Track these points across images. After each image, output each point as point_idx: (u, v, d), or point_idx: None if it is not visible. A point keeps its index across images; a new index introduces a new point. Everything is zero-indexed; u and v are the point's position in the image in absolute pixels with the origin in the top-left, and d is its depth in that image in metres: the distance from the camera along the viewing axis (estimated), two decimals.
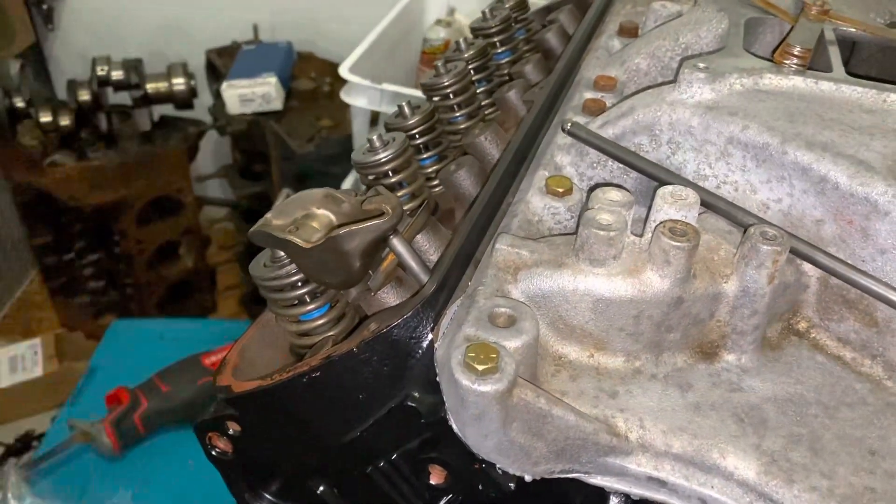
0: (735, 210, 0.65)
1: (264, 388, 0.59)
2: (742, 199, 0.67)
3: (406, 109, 0.85)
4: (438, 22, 2.54)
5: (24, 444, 2.39)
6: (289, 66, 2.67)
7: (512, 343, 0.54)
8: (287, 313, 0.66)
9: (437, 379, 0.56)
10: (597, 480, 0.59)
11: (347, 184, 2.32)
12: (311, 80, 2.68)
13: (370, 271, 0.64)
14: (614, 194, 0.62)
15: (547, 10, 1.25)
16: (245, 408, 0.62)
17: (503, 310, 0.57)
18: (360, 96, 2.11)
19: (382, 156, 0.75)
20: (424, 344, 0.57)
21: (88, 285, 2.92)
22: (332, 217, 0.66)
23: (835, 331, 0.65)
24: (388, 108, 2.10)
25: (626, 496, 0.59)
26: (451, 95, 0.93)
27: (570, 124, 0.74)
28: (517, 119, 0.95)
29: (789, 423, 0.58)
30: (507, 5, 1.10)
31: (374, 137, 0.77)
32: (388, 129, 0.84)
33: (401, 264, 0.64)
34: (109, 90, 2.65)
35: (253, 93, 2.49)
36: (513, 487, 0.57)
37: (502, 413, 0.53)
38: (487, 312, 0.57)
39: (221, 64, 2.72)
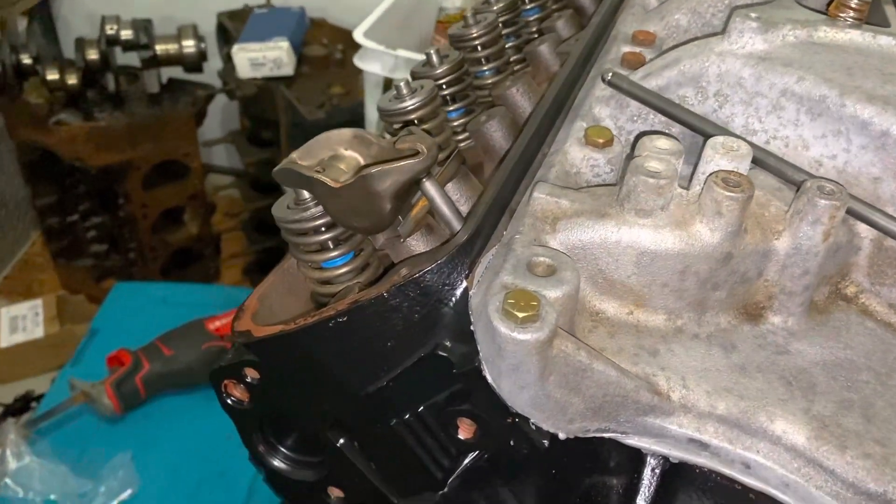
0: (785, 166, 0.62)
1: (287, 333, 0.56)
2: (793, 156, 0.64)
3: (434, 58, 0.82)
4: None
5: (23, 404, 2.36)
6: (301, 32, 2.62)
7: (552, 293, 0.51)
8: (310, 259, 0.63)
9: (472, 328, 0.53)
10: (634, 441, 0.56)
11: None
12: (322, 46, 2.64)
13: (400, 217, 0.61)
14: (663, 142, 0.58)
15: None
16: (265, 353, 0.59)
17: (542, 259, 0.54)
18: (374, 62, 2.06)
19: (409, 103, 0.72)
20: (458, 291, 0.54)
21: (91, 248, 2.89)
22: (361, 159, 0.63)
23: (886, 296, 0.62)
24: (402, 75, 2.05)
25: (665, 458, 0.56)
26: (480, 48, 0.89)
27: (611, 74, 0.71)
28: (548, 73, 0.92)
29: (839, 388, 0.55)
30: None
31: (402, 84, 0.74)
32: (415, 78, 0.81)
33: (432, 210, 0.61)
34: (118, 50, 2.61)
35: (264, 57, 2.44)
36: (546, 444, 0.54)
37: (541, 364, 0.50)
38: (526, 261, 0.53)
39: (233, 27, 2.67)
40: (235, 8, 2.80)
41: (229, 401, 0.63)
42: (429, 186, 0.59)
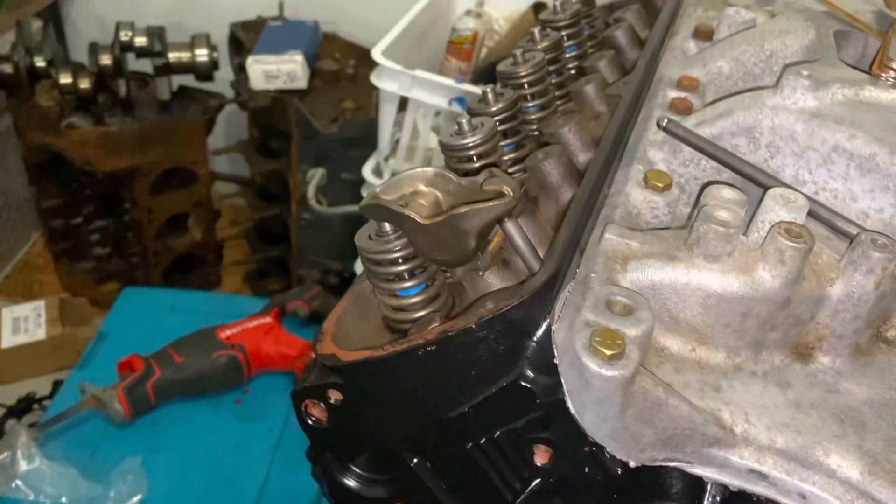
0: (835, 217, 0.67)
1: (376, 359, 0.60)
2: (841, 207, 0.69)
3: (490, 96, 0.86)
4: (468, 13, 2.54)
5: (25, 405, 2.37)
6: (315, 46, 2.66)
7: (632, 331, 0.55)
8: (387, 287, 0.67)
9: (556, 361, 0.57)
10: (697, 470, 0.60)
11: (368, 168, 2.32)
12: (335, 61, 2.67)
13: (479, 252, 0.65)
14: (728, 192, 0.63)
15: (610, 7, 1.26)
16: (351, 377, 0.62)
17: (620, 298, 0.58)
18: (391, 81, 2.11)
19: (471, 140, 0.76)
20: (542, 326, 0.58)
21: (93, 251, 2.89)
22: (441, 196, 0.67)
23: None
24: (418, 95, 2.10)
25: (724, 487, 0.60)
26: (527, 85, 0.94)
27: (666, 121, 0.75)
28: (593, 112, 0.96)
29: (887, 426, 0.60)
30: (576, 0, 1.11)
31: (464, 121, 0.78)
32: (472, 114, 0.85)
33: (512, 248, 0.65)
34: (130, 56, 2.63)
35: (278, 69, 2.47)
36: (619, 472, 0.58)
37: (623, 399, 0.54)
38: (604, 299, 0.58)
39: (246, 38, 2.70)
40: (249, 19, 2.83)
41: (309, 420, 0.66)
42: (510, 226, 0.63)
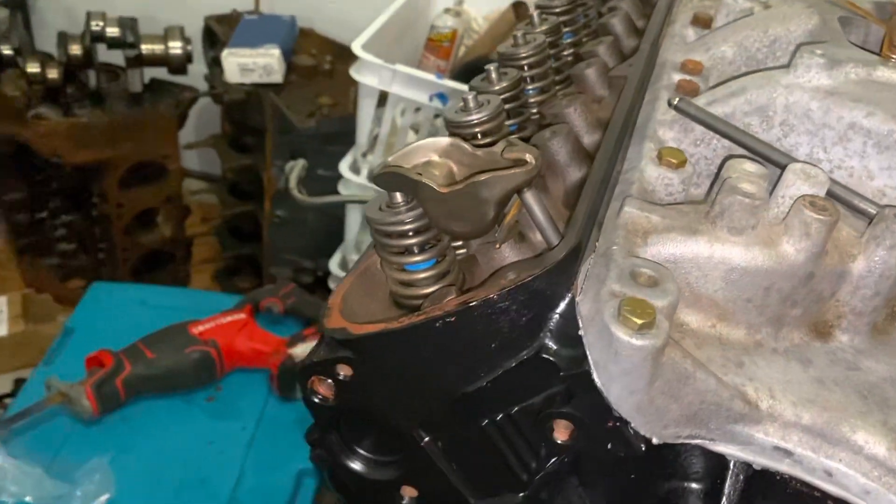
0: (851, 195, 0.66)
1: (391, 331, 0.58)
2: (857, 185, 0.68)
3: (494, 74, 0.84)
4: (447, 10, 2.54)
5: None
6: (291, 40, 2.62)
7: (659, 301, 0.54)
8: (397, 261, 0.65)
9: (580, 332, 0.55)
10: (720, 448, 0.58)
11: (345, 164, 2.29)
12: (311, 56, 2.64)
13: (496, 224, 0.63)
14: (750, 166, 0.62)
15: None
16: (364, 351, 0.60)
17: (644, 269, 0.56)
18: (372, 75, 2.08)
19: (478, 116, 0.74)
20: (565, 297, 0.57)
21: (59, 247, 2.81)
22: (454, 166, 0.65)
23: None
24: (398, 90, 2.08)
25: (748, 466, 0.58)
26: (527, 67, 0.92)
27: (678, 100, 0.74)
28: (594, 96, 0.95)
29: None
30: None
31: (469, 97, 0.76)
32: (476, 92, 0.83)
33: (531, 219, 0.63)
34: (101, 47, 2.56)
35: (254, 63, 2.43)
36: (643, 448, 0.56)
37: (652, 370, 0.52)
38: (629, 271, 0.56)
39: (221, 32, 2.66)
40: (223, 12, 2.78)
41: (315, 398, 0.63)
42: (529, 196, 0.61)
